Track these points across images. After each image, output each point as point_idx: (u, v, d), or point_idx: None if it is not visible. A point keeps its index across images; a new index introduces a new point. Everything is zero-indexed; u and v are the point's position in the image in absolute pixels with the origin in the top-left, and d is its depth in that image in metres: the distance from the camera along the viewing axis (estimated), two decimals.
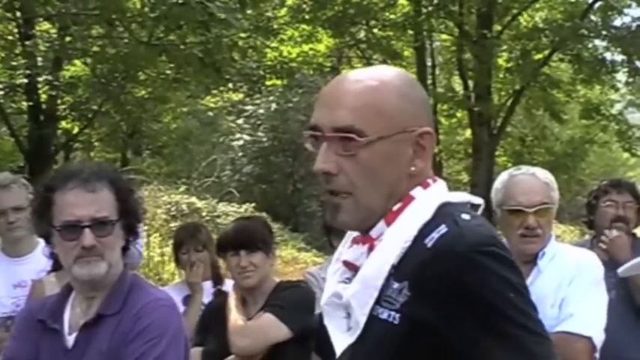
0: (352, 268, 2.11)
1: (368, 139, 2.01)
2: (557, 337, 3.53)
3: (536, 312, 2.00)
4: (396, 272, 2.00)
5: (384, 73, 2.12)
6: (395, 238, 2.03)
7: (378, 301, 2.01)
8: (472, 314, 1.91)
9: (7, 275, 4.93)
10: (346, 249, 2.18)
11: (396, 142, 2.04)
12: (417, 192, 2.08)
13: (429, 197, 2.07)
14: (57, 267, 4.15)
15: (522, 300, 1.95)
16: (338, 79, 2.14)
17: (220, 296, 4.86)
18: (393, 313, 1.98)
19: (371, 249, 2.07)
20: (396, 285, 1.99)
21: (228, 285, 5.27)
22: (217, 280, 5.40)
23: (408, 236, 2.01)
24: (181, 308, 5.33)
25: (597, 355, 3.61)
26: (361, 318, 2.02)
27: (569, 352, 3.51)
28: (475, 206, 2.14)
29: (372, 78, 2.08)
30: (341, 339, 2.08)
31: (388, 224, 2.06)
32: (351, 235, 2.18)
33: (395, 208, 2.06)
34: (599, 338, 3.55)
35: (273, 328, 3.92)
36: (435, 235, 1.98)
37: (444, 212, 2.04)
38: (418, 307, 1.95)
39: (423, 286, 1.95)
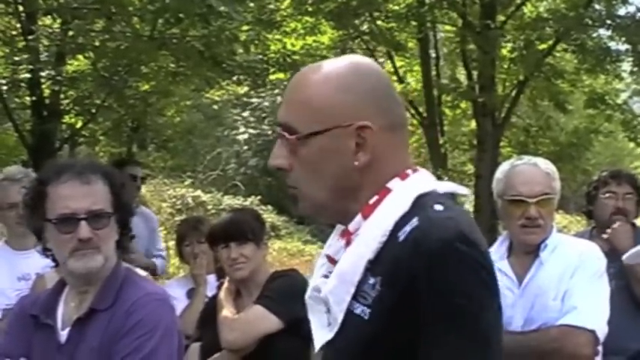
0: (332, 262, 2.08)
1: (298, 136, 2.00)
2: (560, 330, 3.52)
3: (490, 312, 1.92)
4: (373, 267, 1.96)
5: (332, 65, 2.06)
6: (371, 232, 1.99)
7: (354, 297, 1.97)
8: (427, 312, 1.87)
9: (12, 268, 4.97)
10: (334, 243, 2.14)
11: (332, 137, 2.00)
12: (393, 184, 2.03)
13: (406, 189, 2.02)
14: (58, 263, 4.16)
15: (473, 302, 1.88)
16: (298, 73, 2.12)
17: None
18: (364, 308, 1.94)
19: (348, 243, 2.04)
20: (371, 280, 1.95)
21: None
22: (221, 273, 5.38)
23: (385, 230, 1.97)
24: (185, 301, 5.33)
25: (600, 347, 3.58)
26: (339, 314, 1.99)
27: (572, 346, 3.50)
28: (459, 196, 2.11)
29: (315, 71, 2.05)
30: (321, 334, 2.05)
31: (365, 217, 2.02)
32: (340, 228, 2.14)
33: (372, 201, 2.02)
34: (602, 331, 3.53)
35: (262, 320, 3.89)
36: (408, 228, 1.93)
37: (420, 204, 1.98)
38: (388, 302, 1.91)
39: (395, 281, 1.91)
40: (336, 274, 2.01)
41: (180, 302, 5.13)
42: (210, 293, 5.19)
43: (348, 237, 2.04)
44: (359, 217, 2.02)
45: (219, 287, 5.12)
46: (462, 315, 1.86)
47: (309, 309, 2.12)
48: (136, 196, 6.95)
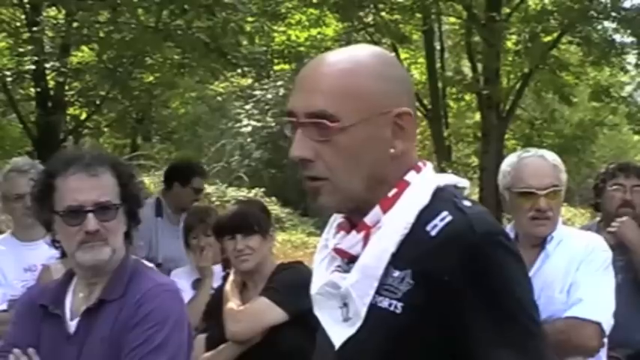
0: (345, 255, 2.06)
1: (342, 124, 1.96)
2: (567, 322, 3.52)
3: (535, 304, 1.99)
4: (396, 260, 1.96)
5: (359, 53, 2.06)
6: (393, 226, 1.98)
7: (377, 290, 1.97)
8: (476, 307, 1.88)
9: (18, 259, 4.97)
10: (332, 236, 2.13)
11: (373, 125, 1.98)
12: (411, 176, 2.03)
13: (424, 181, 2.03)
14: (65, 254, 4.17)
15: (525, 294, 1.95)
16: (313, 62, 2.08)
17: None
18: (394, 302, 1.93)
19: (367, 237, 2.02)
20: (396, 273, 1.95)
21: None
22: (227, 264, 5.38)
23: (407, 223, 1.97)
24: (191, 292, 5.33)
25: (606, 340, 3.59)
26: (362, 308, 1.97)
27: (578, 338, 3.50)
28: (460, 189, 2.09)
29: (346, 60, 2.02)
30: (339, 330, 2.03)
31: (384, 211, 2.00)
32: (335, 221, 2.15)
33: (390, 194, 2.01)
34: (608, 323, 3.53)
35: (267, 312, 3.90)
36: (439, 222, 1.93)
37: (442, 197, 1.99)
38: (423, 296, 1.91)
39: (430, 275, 1.91)
40: (358, 268, 2.00)
41: (185, 293, 5.13)
42: (216, 284, 5.20)
43: (367, 230, 2.02)
44: (377, 210, 2.01)
45: (224, 278, 5.13)
46: (519, 306, 1.92)
47: (317, 305, 2.11)
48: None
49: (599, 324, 3.50)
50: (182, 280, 5.39)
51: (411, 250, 1.95)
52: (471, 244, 1.90)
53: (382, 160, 2.01)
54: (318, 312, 2.11)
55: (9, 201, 5.06)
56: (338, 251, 2.08)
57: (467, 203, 1.98)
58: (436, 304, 1.90)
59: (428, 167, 2.09)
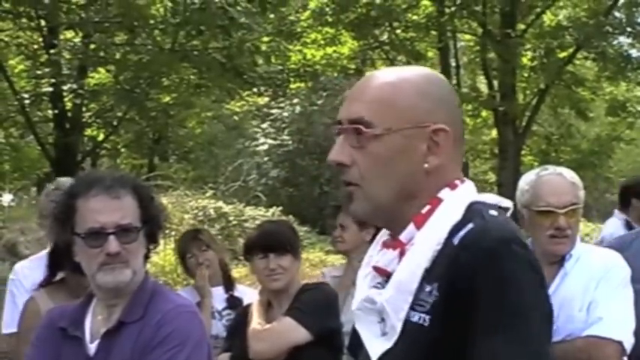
0: (383, 273, 2.10)
1: (376, 131, 2.04)
2: (587, 341, 3.49)
3: (549, 319, 1.99)
4: (429, 275, 2.00)
5: (407, 70, 2.16)
6: (426, 242, 2.02)
7: (412, 306, 2.00)
8: (485, 305, 1.90)
9: None
10: (376, 253, 2.17)
11: (407, 137, 2.05)
12: (444, 193, 2.07)
13: (457, 198, 2.07)
14: (47, 282, 4.07)
15: (536, 303, 1.93)
16: (364, 77, 2.20)
17: (234, 302, 4.88)
18: (423, 315, 1.97)
19: (402, 254, 2.06)
20: (428, 288, 1.98)
21: (240, 290, 5.25)
22: (229, 284, 5.35)
23: (440, 238, 2.01)
24: None
25: (626, 359, 3.56)
26: (397, 323, 2.01)
27: (599, 356, 3.48)
28: (503, 209, 2.12)
29: (393, 75, 2.13)
30: (376, 344, 2.07)
31: (418, 227, 2.05)
32: (381, 238, 2.18)
33: (424, 210, 2.06)
34: (629, 342, 3.51)
35: (290, 332, 3.90)
36: (462, 232, 1.98)
37: (472, 210, 2.03)
38: (446, 306, 1.94)
39: (450, 284, 1.94)
40: (393, 284, 2.04)
41: None
42: (219, 306, 5.20)
43: (401, 247, 2.06)
44: (411, 226, 2.06)
45: (228, 300, 5.15)
46: (513, 311, 1.90)
47: (357, 320, 2.15)
48: None
49: (619, 343, 3.48)
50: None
51: (439, 263, 1.99)
52: (487, 248, 1.93)
53: (415, 174, 2.06)
54: (358, 327, 2.15)
55: (46, 219, 5.09)
56: (376, 269, 2.12)
57: (492, 212, 2.02)
58: (457, 311, 1.92)
59: (466, 185, 2.12)
